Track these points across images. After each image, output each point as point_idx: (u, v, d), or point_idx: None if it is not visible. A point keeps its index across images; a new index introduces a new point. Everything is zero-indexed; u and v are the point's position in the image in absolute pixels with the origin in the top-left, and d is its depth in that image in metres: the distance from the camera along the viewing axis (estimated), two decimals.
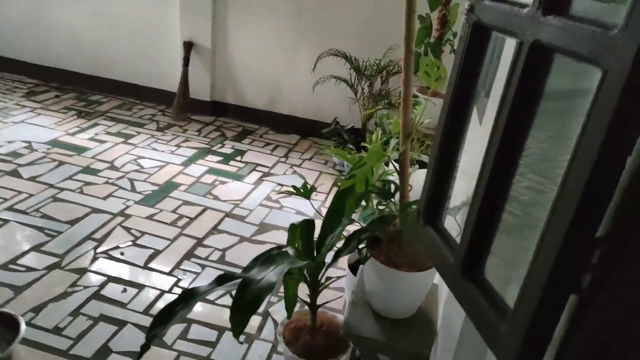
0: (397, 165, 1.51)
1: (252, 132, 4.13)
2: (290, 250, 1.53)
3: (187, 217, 2.75)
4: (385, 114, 2.93)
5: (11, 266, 2.15)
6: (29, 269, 2.15)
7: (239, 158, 3.62)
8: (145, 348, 1.21)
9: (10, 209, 2.56)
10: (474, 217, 0.73)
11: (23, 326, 1.74)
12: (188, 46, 4.09)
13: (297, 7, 3.84)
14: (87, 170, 3.09)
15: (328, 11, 3.81)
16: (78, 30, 4.31)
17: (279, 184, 3.30)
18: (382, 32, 3.57)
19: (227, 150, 3.72)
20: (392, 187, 1.49)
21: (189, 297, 1.31)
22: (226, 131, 4.07)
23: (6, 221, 2.46)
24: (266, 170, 3.48)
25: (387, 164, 1.70)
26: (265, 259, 1.40)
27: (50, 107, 3.98)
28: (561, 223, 0.52)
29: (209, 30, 4.03)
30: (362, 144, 2.23)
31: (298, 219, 2.87)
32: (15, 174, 2.91)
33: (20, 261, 2.19)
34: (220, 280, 1.42)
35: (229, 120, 4.29)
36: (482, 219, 0.73)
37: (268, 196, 3.11)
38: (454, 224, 0.89)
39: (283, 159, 3.71)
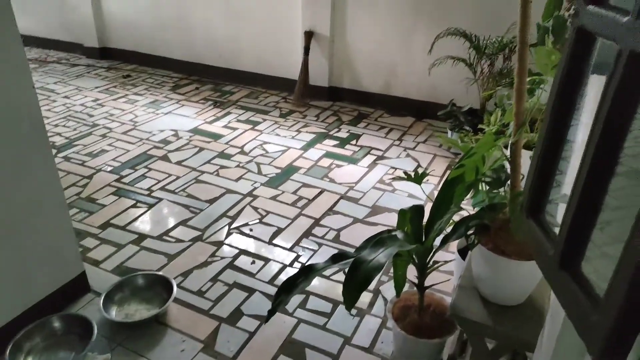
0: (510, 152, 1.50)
1: (367, 116, 4.24)
2: (400, 234, 1.62)
3: (305, 198, 2.98)
4: (507, 94, 2.82)
5: (165, 237, 2.58)
6: (178, 240, 2.56)
7: (354, 142, 3.76)
8: (272, 312, 1.41)
9: (162, 189, 3.04)
10: (572, 210, 0.75)
11: (175, 288, 2.11)
12: (308, 36, 4.31)
13: None
14: (222, 155, 3.49)
15: None
16: (213, 28, 4.79)
17: (392, 167, 3.37)
18: (503, 7, 3.38)
19: (343, 134, 3.89)
20: (503, 175, 1.50)
21: (308, 271, 1.49)
22: (342, 115, 4.24)
23: (160, 199, 2.93)
24: (380, 153, 3.58)
25: (506, 147, 1.68)
26: (377, 241, 1.51)
27: (192, 99, 4.53)
28: None
29: (328, 19, 4.20)
30: (480, 126, 2.19)
31: (410, 202, 2.95)
32: (165, 158, 3.42)
33: (172, 233, 2.61)
34: (335, 259, 1.57)
35: (345, 104, 4.45)
36: (581, 212, 0.75)
37: (381, 179, 3.21)
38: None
39: (397, 142, 3.76)
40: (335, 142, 3.74)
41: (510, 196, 1.43)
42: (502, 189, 1.56)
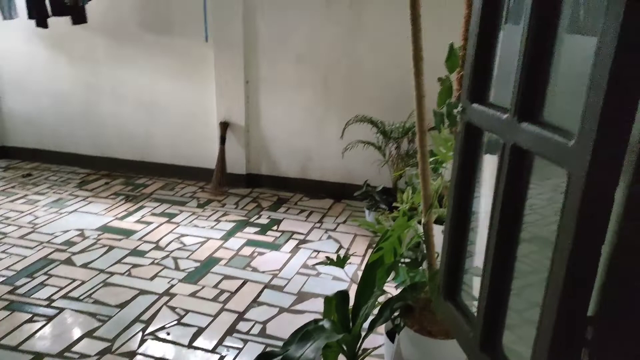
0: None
1: (286, 200, 4.27)
2: (327, 323, 1.58)
3: (228, 291, 2.83)
4: (415, 173, 3.01)
5: (67, 354, 2.27)
6: (83, 355, 2.26)
7: (275, 227, 3.73)
8: None
9: (64, 297, 2.73)
10: (487, 283, 0.78)
11: None
12: (224, 126, 4.37)
13: (323, 79, 4.09)
14: (135, 252, 3.27)
15: (352, 80, 4.03)
16: (124, 120, 4.70)
17: (315, 251, 3.36)
18: (405, 95, 3.71)
19: (263, 220, 3.85)
20: (420, 255, 1.54)
21: None
22: (262, 201, 4.23)
23: (61, 309, 2.61)
24: (302, 237, 3.57)
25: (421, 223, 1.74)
26: (303, 335, 1.45)
27: (101, 194, 4.29)
28: (552, 304, 0.57)
29: (242, 110, 4.32)
30: (394, 204, 2.28)
31: (335, 285, 2.92)
32: (69, 262, 3.12)
33: (75, 348, 2.31)
34: (262, 359, 1.47)
35: (264, 190, 4.47)
36: (495, 280, 0.77)
37: (305, 264, 3.17)
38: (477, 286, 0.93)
39: (318, 225, 3.80)
40: (256, 229, 3.68)
41: (429, 275, 1.47)
42: (420, 267, 1.60)
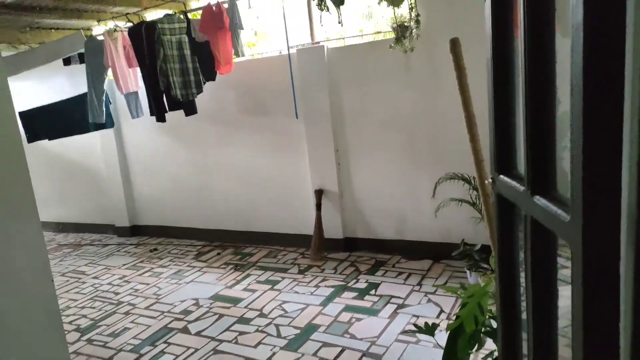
0: None
1: (384, 263, 4.25)
2: None
3: (326, 359, 2.86)
4: None
5: None
6: None
7: (373, 292, 3.71)
8: None
9: None
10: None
11: None
12: (319, 193, 4.59)
13: (410, 139, 4.15)
14: (241, 320, 3.47)
15: (438, 139, 4.03)
16: (231, 195, 5.17)
17: (414, 316, 3.26)
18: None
19: (361, 284, 3.86)
20: None
21: None
22: (360, 265, 4.26)
23: None
24: (400, 301, 3.50)
25: None
26: None
27: (213, 265, 4.68)
28: None
29: (335, 177, 4.52)
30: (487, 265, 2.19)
31: (436, 354, 2.79)
32: (185, 330, 3.42)
33: None
34: None
35: (362, 254, 4.51)
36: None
37: (403, 330, 3.09)
38: None
39: (417, 287, 3.70)
40: (354, 294, 3.70)
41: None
42: None
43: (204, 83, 4.43)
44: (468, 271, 3.60)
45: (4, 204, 1.75)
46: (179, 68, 4.28)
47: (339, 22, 4.00)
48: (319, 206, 4.59)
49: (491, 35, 0.85)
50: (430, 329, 1.78)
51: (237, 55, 4.28)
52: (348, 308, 3.49)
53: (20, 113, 4.83)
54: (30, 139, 4.99)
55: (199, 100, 4.56)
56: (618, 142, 0.46)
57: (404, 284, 3.80)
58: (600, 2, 0.50)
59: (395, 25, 3.80)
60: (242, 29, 4.19)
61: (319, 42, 4.45)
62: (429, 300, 3.47)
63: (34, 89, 5.89)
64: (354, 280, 3.95)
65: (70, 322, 3.75)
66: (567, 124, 0.61)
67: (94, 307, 4.00)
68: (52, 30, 4.95)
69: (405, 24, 3.78)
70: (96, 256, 5.36)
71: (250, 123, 4.89)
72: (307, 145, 4.60)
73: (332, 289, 3.83)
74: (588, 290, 0.52)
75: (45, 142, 5.20)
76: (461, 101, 1.24)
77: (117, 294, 4.23)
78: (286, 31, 4.05)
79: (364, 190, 4.49)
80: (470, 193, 3.67)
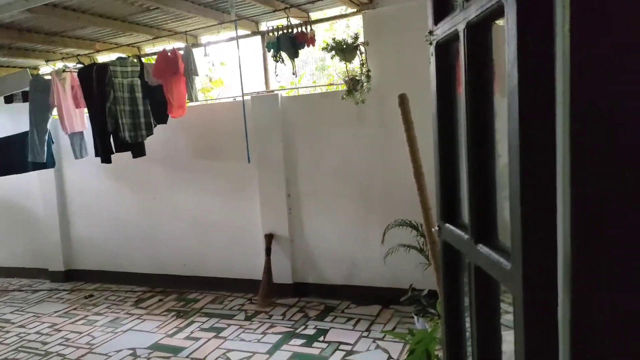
0: None
1: (333, 308, 4.20)
2: None
3: None
4: None
5: None
6: None
7: (321, 338, 3.65)
8: None
9: None
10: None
11: None
12: (269, 238, 4.54)
13: (361, 186, 4.24)
14: None
15: (389, 186, 4.14)
16: (177, 239, 5.00)
17: None
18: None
19: (310, 331, 3.79)
20: None
21: None
22: (309, 311, 4.19)
23: None
24: (349, 347, 3.46)
25: None
26: None
27: (154, 312, 4.43)
28: None
29: (286, 221, 4.50)
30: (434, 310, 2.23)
31: None
32: None
33: None
34: None
35: (311, 299, 4.45)
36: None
37: None
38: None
39: (365, 333, 3.68)
40: (303, 341, 3.62)
41: None
42: None
43: (155, 126, 4.37)
44: (416, 317, 3.63)
45: None
46: (129, 110, 4.21)
47: (293, 74, 4.13)
48: (268, 251, 4.52)
49: (435, 93, 0.92)
50: None
51: (191, 100, 4.29)
52: (296, 356, 3.39)
53: None
54: None
55: (149, 142, 4.47)
56: (552, 195, 0.51)
57: (352, 329, 3.76)
58: (532, 69, 0.56)
59: (347, 78, 3.97)
60: (197, 75, 4.23)
61: (273, 91, 4.55)
62: (377, 347, 3.45)
63: None
64: (303, 327, 3.87)
65: None
66: (507, 177, 0.66)
67: (17, 359, 3.64)
68: None
69: (357, 77, 3.96)
70: (24, 303, 4.94)
71: (202, 166, 4.83)
72: (259, 190, 4.58)
73: (280, 336, 3.72)
74: (529, 334, 0.55)
75: None
76: (409, 152, 1.30)
77: (45, 343, 3.89)
78: (241, 79, 4.12)
79: (315, 235, 4.49)
80: (419, 240, 3.76)
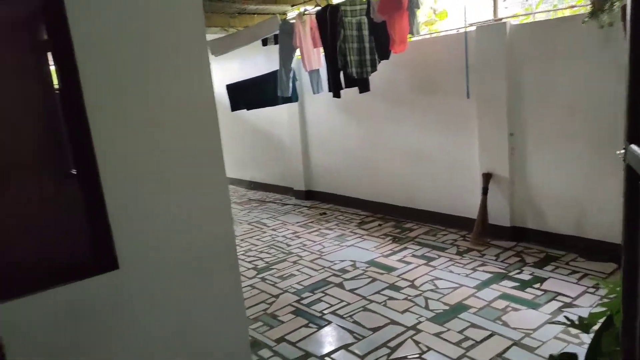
0: None
1: (556, 259, 3.89)
2: None
3: (472, 339, 2.82)
4: None
5: (326, 358, 2.75)
6: None
7: (537, 285, 3.46)
8: None
9: (333, 313, 3.29)
10: None
11: None
12: (487, 177, 4.40)
13: (601, 127, 3.65)
14: (392, 287, 3.63)
15: None
16: (396, 171, 5.30)
17: (581, 317, 2.95)
18: None
19: (525, 276, 3.63)
20: None
21: None
22: (526, 257, 3.99)
23: (329, 322, 3.18)
24: (569, 300, 3.19)
25: None
26: None
27: (373, 234, 4.92)
28: None
29: (506, 161, 4.26)
30: None
31: None
32: (341, 286, 3.73)
33: (333, 355, 2.77)
34: None
35: (530, 245, 4.19)
36: None
37: (566, 330, 2.83)
38: None
39: (591, 290, 3.31)
40: (515, 284, 3.50)
41: None
42: None
43: (379, 62, 4.59)
44: None
45: (198, 157, 2.11)
46: (357, 47, 4.51)
47: None
48: (485, 190, 4.39)
49: None
50: (585, 325, 1.64)
51: (412, 34, 4.32)
52: (505, 296, 3.33)
53: (227, 86, 5.73)
54: (233, 108, 5.86)
55: (372, 78, 4.74)
56: None
57: (576, 283, 3.44)
58: None
59: None
60: (419, 8, 4.21)
61: (501, 19, 4.19)
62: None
63: (240, 66, 6.86)
64: (517, 271, 3.73)
65: (250, 262, 4.44)
66: None
67: (269, 253, 4.63)
68: (255, 15, 5.69)
69: None
70: (276, 212, 6.12)
71: (420, 101, 4.89)
72: (478, 127, 4.41)
73: (490, 275, 3.69)
74: None
75: (244, 112, 6.06)
76: None
77: (288, 245, 4.81)
78: (465, 9, 3.91)
79: (539, 178, 4.13)
80: None
